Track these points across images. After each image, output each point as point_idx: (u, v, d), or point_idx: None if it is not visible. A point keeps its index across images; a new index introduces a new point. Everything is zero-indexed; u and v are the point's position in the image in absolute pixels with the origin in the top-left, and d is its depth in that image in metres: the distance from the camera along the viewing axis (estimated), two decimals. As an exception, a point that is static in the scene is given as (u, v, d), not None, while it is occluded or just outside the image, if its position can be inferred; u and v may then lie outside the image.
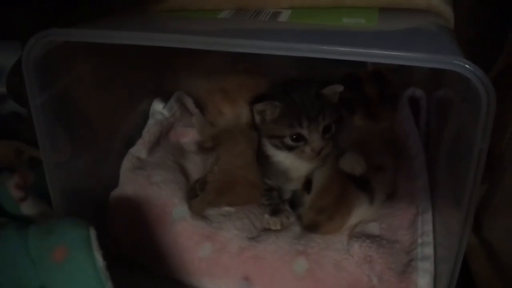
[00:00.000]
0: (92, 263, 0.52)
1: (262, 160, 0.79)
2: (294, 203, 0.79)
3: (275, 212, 0.76)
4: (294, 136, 0.69)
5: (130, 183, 0.79)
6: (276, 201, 0.79)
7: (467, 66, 0.47)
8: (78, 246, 0.52)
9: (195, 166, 0.87)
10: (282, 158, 0.75)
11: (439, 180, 0.70)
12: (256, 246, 0.71)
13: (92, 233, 0.54)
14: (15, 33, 0.80)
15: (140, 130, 0.88)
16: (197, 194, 0.81)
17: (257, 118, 0.73)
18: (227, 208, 0.77)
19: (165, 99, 0.94)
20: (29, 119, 0.81)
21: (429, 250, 0.66)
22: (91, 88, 0.72)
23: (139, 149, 0.85)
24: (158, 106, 0.92)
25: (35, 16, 0.75)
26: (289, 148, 0.71)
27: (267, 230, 0.74)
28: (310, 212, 0.73)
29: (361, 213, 0.73)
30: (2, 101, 0.96)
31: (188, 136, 0.94)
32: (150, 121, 0.90)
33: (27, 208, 0.63)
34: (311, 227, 0.73)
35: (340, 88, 0.70)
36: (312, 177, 0.75)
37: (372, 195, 0.73)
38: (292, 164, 0.75)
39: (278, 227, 0.74)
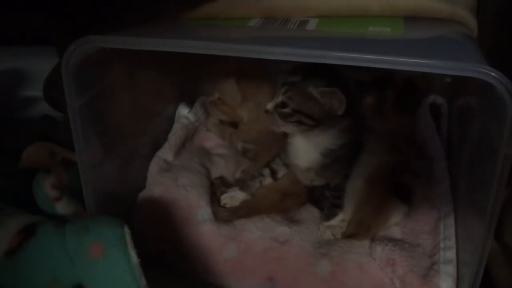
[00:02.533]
0: (127, 259, 0.53)
1: None
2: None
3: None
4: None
5: (157, 185, 0.81)
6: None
7: (492, 74, 0.48)
8: (114, 243, 0.54)
9: (220, 169, 0.89)
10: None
11: (461, 185, 0.71)
12: (280, 248, 0.72)
13: (127, 231, 0.56)
14: (47, 39, 0.83)
15: (166, 134, 0.91)
16: (216, 191, 0.83)
17: None
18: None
19: (190, 103, 0.96)
20: (62, 122, 0.84)
21: (451, 254, 0.67)
22: (122, 92, 0.74)
23: (165, 152, 0.87)
24: (183, 111, 0.94)
25: (69, 22, 0.77)
26: None
27: (290, 229, 0.75)
28: (350, 226, 0.74)
29: (396, 221, 0.74)
30: (35, 104, 1.00)
31: (212, 140, 0.97)
32: (176, 125, 0.93)
33: (62, 207, 0.65)
34: (350, 237, 0.74)
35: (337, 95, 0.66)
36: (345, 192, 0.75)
37: (410, 204, 0.74)
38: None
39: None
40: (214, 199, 0.82)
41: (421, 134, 0.81)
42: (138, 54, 0.64)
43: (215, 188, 0.84)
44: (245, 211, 0.79)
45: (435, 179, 0.74)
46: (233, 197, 0.80)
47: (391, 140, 0.74)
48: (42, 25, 0.94)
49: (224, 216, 0.78)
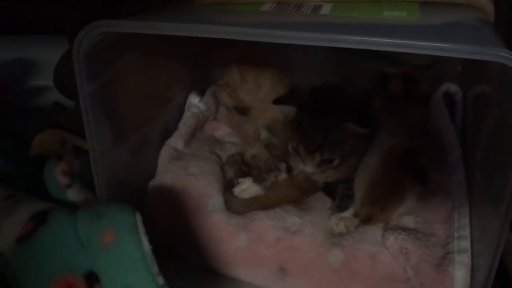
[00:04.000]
0: (139, 246, 0.53)
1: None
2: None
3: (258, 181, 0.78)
4: (293, 149, 0.72)
5: (167, 174, 0.81)
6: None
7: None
8: (126, 230, 0.54)
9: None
10: None
11: (476, 174, 0.70)
12: (292, 237, 0.72)
13: (138, 217, 0.55)
14: (61, 28, 0.83)
15: (177, 122, 0.90)
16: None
17: None
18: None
19: (201, 92, 0.96)
20: (73, 110, 0.84)
21: (466, 244, 0.66)
22: (133, 79, 0.74)
23: (176, 141, 0.87)
24: (194, 100, 0.94)
25: (82, 12, 0.77)
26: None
27: (301, 219, 0.74)
28: (364, 206, 0.72)
29: (410, 204, 0.72)
30: (46, 93, 1.00)
31: (222, 129, 0.96)
32: (186, 114, 0.92)
33: (73, 194, 0.64)
34: (366, 220, 0.73)
35: (354, 128, 0.69)
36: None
37: (425, 189, 0.73)
38: None
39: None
40: (228, 187, 0.81)
41: (435, 123, 0.80)
42: (149, 40, 0.64)
43: (234, 164, 0.84)
44: (259, 205, 0.78)
45: (449, 168, 0.73)
46: (246, 190, 0.78)
47: (407, 126, 0.73)
48: (53, 14, 0.94)
49: (236, 207, 0.78)
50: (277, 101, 0.74)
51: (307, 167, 0.71)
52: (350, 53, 0.92)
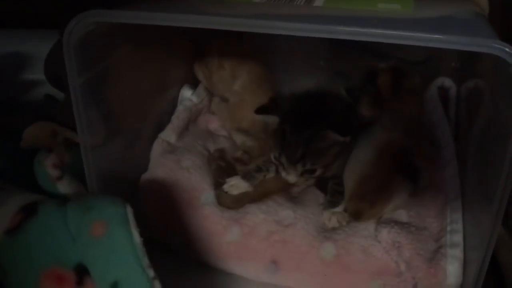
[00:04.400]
0: (129, 238, 0.52)
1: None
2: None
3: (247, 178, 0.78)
4: (275, 158, 0.73)
5: (160, 167, 0.81)
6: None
7: (506, 49, 0.46)
8: (116, 222, 0.53)
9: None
10: None
11: (469, 169, 0.70)
12: (284, 231, 0.72)
13: (129, 210, 0.54)
14: (54, 22, 0.82)
15: (170, 116, 0.90)
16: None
17: None
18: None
19: (194, 85, 0.95)
20: (64, 102, 0.83)
21: (458, 238, 0.66)
22: (125, 72, 0.73)
23: (168, 134, 0.86)
24: (187, 93, 0.93)
25: (73, 5, 0.76)
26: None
27: (294, 212, 0.74)
28: (352, 200, 0.72)
29: (400, 202, 0.72)
30: (38, 88, 0.99)
31: (216, 122, 0.96)
32: (179, 107, 0.92)
33: (63, 187, 0.64)
34: (354, 215, 0.72)
35: (335, 137, 0.70)
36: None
37: (416, 186, 0.72)
38: None
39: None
40: (218, 184, 0.80)
41: (429, 118, 0.79)
42: (141, 31, 0.63)
43: (212, 161, 0.84)
44: (249, 199, 0.78)
45: (442, 162, 0.73)
46: (234, 186, 0.78)
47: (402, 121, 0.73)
48: (45, 8, 0.93)
49: (226, 203, 0.77)
50: (259, 111, 0.75)
51: (289, 177, 0.73)
52: (344, 49, 0.92)
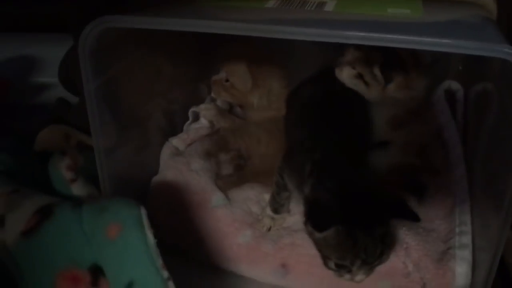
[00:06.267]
0: (144, 240, 0.53)
1: (293, 166, 0.70)
2: None
3: (278, 211, 0.74)
4: (339, 266, 0.61)
5: (170, 170, 0.82)
6: (286, 204, 0.75)
7: (516, 54, 0.47)
8: (131, 224, 0.54)
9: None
10: None
11: (478, 171, 0.70)
12: (293, 234, 0.72)
13: (143, 212, 0.55)
14: (65, 26, 0.83)
15: (182, 118, 0.91)
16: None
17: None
18: (266, 195, 0.78)
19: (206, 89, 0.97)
20: (77, 105, 0.84)
21: (467, 240, 0.67)
22: (138, 75, 0.74)
23: (179, 142, 0.88)
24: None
25: (86, 10, 0.77)
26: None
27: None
28: None
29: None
30: (49, 91, 1.00)
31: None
32: (203, 121, 0.93)
33: (77, 189, 0.65)
34: None
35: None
36: None
37: (423, 198, 0.72)
38: None
39: (264, 229, 0.74)
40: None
41: (436, 120, 0.80)
42: (154, 37, 0.64)
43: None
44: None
45: (450, 165, 0.74)
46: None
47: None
48: (56, 12, 0.95)
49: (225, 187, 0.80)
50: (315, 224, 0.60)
51: (358, 278, 0.61)
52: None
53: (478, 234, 0.67)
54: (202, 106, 0.95)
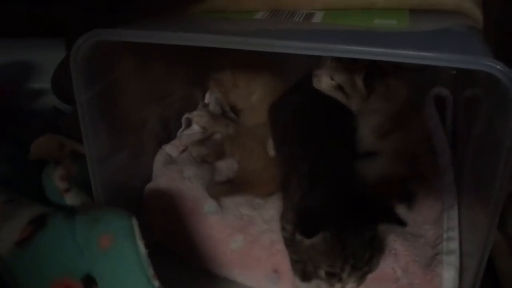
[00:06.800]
0: (135, 250, 0.54)
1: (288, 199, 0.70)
2: None
3: (307, 276, 0.65)
4: (329, 274, 0.60)
5: (163, 177, 0.83)
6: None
7: (498, 66, 0.48)
8: (123, 234, 0.55)
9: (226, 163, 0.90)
10: None
11: (466, 177, 0.71)
12: (286, 241, 0.73)
13: (135, 222, 0.57)
14: (60, 31, 0.84)
15: (174, 126, 0.92)
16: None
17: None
18: (258, 200, 0.80)
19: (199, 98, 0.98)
20: (71, 115, 0.85)
21: (454, 245, 0.68)
22: (131, 86, 0.75)
23: (172, 149, 0.89)
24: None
25: (79, 15, 0.78)
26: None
27: None
28: None
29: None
30: (44, 96, 1.01)
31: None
32: (196, 128, 0.94)
33: (71, 199, 0.66)
34: None
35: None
36: None
37: (411, 205, 0.73)
38: None
39: None
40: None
41: (425, 126, 0.81)
42: (147, 47, 0.64)
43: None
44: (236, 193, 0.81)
45: (439, 170, 0.75)
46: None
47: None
48: (52, 17, 0.95)
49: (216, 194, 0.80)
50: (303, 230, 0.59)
51: (348, 281, 0.61)
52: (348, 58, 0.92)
53: (465, 239, 0.68)
54: (194, 113, 0.96)
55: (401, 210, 0.73)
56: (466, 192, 0.71)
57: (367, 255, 0.59)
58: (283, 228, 0.69)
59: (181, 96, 0.96)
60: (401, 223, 0.59)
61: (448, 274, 0.65)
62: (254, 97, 0.93)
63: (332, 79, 0.74)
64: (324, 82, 0.75)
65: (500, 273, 0.76)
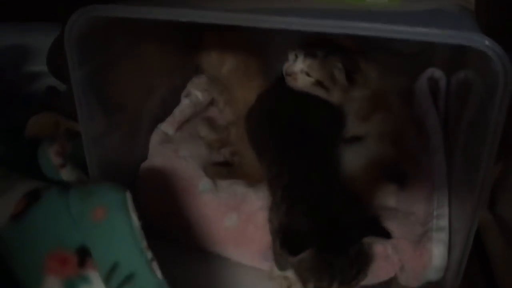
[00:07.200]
0: (128, 222, 0.55)
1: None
2: None
3: (284, 266, 0.70)
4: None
5: (158, 156, 0.83)
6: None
7: (486, 42, 0.49)
8: (116, 207, 0.56)
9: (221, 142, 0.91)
10: None
11: (456, 157, 0.72)
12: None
13: (128, 195, 0.57)
14: (56, 15, 0.83)
15: (169, 106, 0.92)
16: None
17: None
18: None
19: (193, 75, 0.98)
20: (66, 93, 0.86)
21: (444, 222, 0.69)
22: (125, 64, 0.75)
23: (167, 126, 0.89)
24: (195, 90, 0.96)
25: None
26: None
27: None
28: None
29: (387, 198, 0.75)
30: (41, 80, 1.01)
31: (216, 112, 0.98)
32: (185, 101, 0.94)
33: (66, 175, 0.66)
34: None
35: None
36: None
37: (403, 185, 0.74)
38: None
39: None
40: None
41: (418, 107, 0.82)
42: (141, 25, 0.65)
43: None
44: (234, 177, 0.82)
45: (430, 151, 0.76)
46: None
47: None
48: (48, 1, 0.95)
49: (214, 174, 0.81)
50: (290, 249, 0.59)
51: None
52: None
53: (454, 217, 0.69)
54: (194, 79, 0.98)
55: (393, 190, 0.74)
56: (456, 171, 0.72)
57: (354, 271, 0.59)
58: (270, 221, 0.70)
59: (177, 75, 0.96)
60: (386, 235, 0.60)
61: (438, 250, 0.66)
62: (226, 67, 0.94)
63: (308, 75, 0.75)
64: (301, 80, 0.76)
65: (490, 253, 0.77)
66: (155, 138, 0.87)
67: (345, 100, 0.77)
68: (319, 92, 0.76)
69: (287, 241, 0.59)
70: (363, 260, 0.60)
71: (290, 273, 0.71)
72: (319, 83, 0.75)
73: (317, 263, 0.58)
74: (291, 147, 0.71)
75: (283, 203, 0.65)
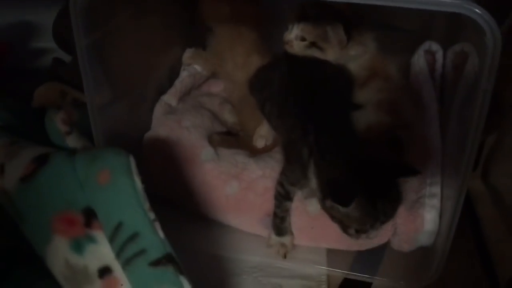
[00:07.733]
0: (132, 185, 0.57)
1: (294, 160, 0.72)
2: None
3: (282, 232, 0.75)
4: (359, 231, 0.65)
5: (162, 126, 0.85)
6: (287, 217, 0.75)
7: (476, 10, 0.50)
8: (120, 171, 0.58)
9: (224, 113, 0.94)
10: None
11: (451, 128, 0.74)
12: (278, 186, 0.76)
13: (132, 159, 0.59)
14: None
15: (172, 77, 0.94)
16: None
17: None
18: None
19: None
20: (72, 64, 0.87)
21: (436, 189, 0.71)
22: (128, 34, 0.77)
23: (170, 98, 0.91)
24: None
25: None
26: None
27: None
28: None
29: None
30: (47, 55, 1.02)
31: (220, 86, 0.99)
32: (184, 73, 0.96)
33: (72, 142, 0.68)
34: None
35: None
36: None
37: (400, 151, 0.76)
38: None
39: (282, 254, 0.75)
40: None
41: (414, 79, 0.83)
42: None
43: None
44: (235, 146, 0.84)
45: (425, 121, 0.77)
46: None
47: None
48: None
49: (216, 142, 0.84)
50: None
51: (371, 235, 0.65)
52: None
53: (446, 184, 0.71)
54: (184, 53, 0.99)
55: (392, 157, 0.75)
56: (449, 141, 0.74)
57: (394, 210, 0.63)
58: (280, 184, 0.73)
59: (180, 47, 0.97)
60: (415, 172, 0.64)
61: (430, 215, 0.69)
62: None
63: (303, 39, 0.77)
64: (296, 45, 0.78)
65: (482, 221, 0.79)
66: (158, 109, 0.89)
67: (342, 59, 0.79)
68: (315, 53, 0.78)
69: (335, 194, 0.61)
70: (401, 198, 0.64)
71: (286, 240, 0.75)
72: (313, 45, 0.77)
73: (363, 210, 0.61)
74: (311, 108, 0.72)
75: (311, 159, 0.67)
